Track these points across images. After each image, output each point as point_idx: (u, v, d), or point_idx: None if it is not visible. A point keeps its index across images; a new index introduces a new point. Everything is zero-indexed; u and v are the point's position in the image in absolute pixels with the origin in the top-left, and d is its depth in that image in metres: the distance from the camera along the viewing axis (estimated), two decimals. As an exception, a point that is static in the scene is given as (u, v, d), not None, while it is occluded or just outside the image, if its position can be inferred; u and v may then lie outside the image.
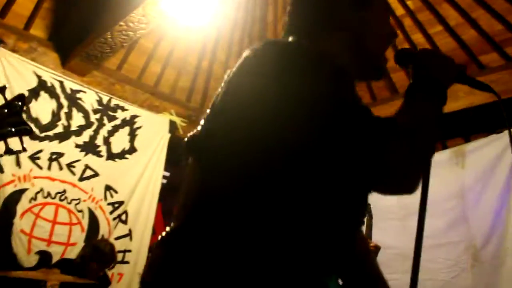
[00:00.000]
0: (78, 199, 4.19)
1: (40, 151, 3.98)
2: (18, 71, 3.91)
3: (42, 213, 3.94)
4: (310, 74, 0.97)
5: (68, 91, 4.24)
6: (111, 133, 4.51)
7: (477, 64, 4.02)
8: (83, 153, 4.28)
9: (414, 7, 4.14)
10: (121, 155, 4.55)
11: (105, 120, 4.49)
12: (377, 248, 2.38)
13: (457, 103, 3.73)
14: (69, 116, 4.23)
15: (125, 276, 4.31)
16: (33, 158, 3.93)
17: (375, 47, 1.22)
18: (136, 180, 4.59)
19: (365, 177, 0.96)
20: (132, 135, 4.66)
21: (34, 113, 3.96)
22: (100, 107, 4.46)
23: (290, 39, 1.18)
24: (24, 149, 1.85)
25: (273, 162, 0.94)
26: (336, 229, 1.00)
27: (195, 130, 1.08)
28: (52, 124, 4.10)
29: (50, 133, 4.07)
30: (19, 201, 3.81)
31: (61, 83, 4.20)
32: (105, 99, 4.51)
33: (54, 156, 4.08)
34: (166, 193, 4.84)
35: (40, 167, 3.98)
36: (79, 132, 4.28)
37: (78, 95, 4.31)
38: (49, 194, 4.01)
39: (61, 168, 4.12)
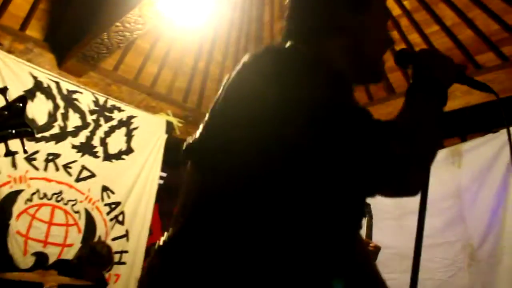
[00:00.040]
0: (75, 200, 4.18)
1: (36, 152, 3.97)
2: (14, 72, 3.89)
3: (38, 214, 3.93)
4: (308, 79, 0.97)
5: (65, 92, 4.23)
6: (108, 133, 4.50)
7: (473, 63, 4.03)
8: (80, 154, 4.27)
9: (411, 7, 4.15)
10: (118, 155, 4.54)
11: (102, 121, 4.48)
12: (377, 249, 2.38)
13: (453, 103, 3.73)
14: (65, 117, 4.22)
15: (122, 277, 4.29)
16: (29, 159, 3.92)
17: (373, 52, 1.22)
18: (133, 181, 4.58)
19: (364, 179, 0.95)
20: (129, 135, 4.65)
21: (30, 114, 3.94)
22: (96, 108, 4.45)
23: (288, 44, 1.17)
24: (25, 152, 1.85)
25: (272, 163, 0.94)
26: (336, 230, 1.00)
27: (193, 136, 1.08)
28: (48, 125, 4.08)
29: (47, 134, 4.06)
30: (15, 203, 3.80)
31: (57, 84, 4.19)
32: (101, 100, 4.50)
33: (50, 157, 4.07)
34: (163, 194, 4.84)
35: (36, 168, 3.97)
36: (75, 133, 4.27)
37: (74, 96, 4.30)
38: (45, 195, 3.99)
39: (57, 169, 4.11)
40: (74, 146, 4.24)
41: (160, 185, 4.84)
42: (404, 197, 1.02)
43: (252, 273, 0.88)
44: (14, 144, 1.82)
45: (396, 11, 4.20)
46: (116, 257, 4.15)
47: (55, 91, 4.16)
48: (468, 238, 3.87)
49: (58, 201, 4.07)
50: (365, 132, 0.94)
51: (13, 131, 1.76)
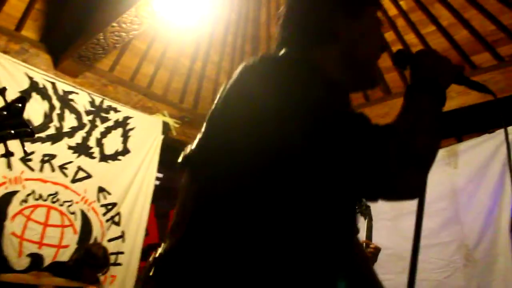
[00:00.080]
0: (71, 201, 4.16)
1: (32, 152, 3.94)
2: (10, 73, 3.88)
3: (33, 215, 3.91)
4: (305, 86, 0.97)
5: (60, 92, 4.22)
6: (104, 134, 4.49)
7: (469, 64, 4.05)
8: (76, 154, 4.26)
9: (407, 7, 4.16)
10: (114, 156, 4.53)
11: (98, 122, 4.47)
12: (377, 250, 2.37)
13: (449, 103, 3.73)
14: (61, 117, 4.20)
15: (118, 278, 4.28)
16: (25, 160, 3.90)
17: (367, 57, 1.22)
18: (129, 182, 4.57)
19: (363, 182, 0.95)
20: (125, 136, 4.64)
21: (26, 115, 3.84)
22: (92, 109, 4.44)
23: (283, 52, 1.17)
24: (25, 152, 1.85)
25: (271, 169, 0.94)
26: (334, 233, 1.00)
27: (189, 146, 1.09)
28: (44, 126, 4.06)
29: (42, 134, 4.04)
30: (10, 204, 3.78)
31: (53, 84, 4.17)
32: (97, 101, 4.49)
33: (46, 158, 4.05)
34: (159, 195, 4.83)
35: (32, 169, 3.95)
36: (71, 133, 4.26)
37: (70, 97, 4.29)
38: (40, 196, 3.98)
39: (53, 170, 4.09)
40: (70, 147, 4.22)
41: (156, 186, 4.83)
42: (405, 200, 1.02)
43: (252, 273, 0.89)
44: (11, 145, 1.81)
45: (392, 11, 4.21)
46: (112, 258, 4.14)
47: (51, 91, 4.15)
48: (464, 238, 3.87)
49: (53, 202, 4.05)
50: (363, 136, 0.94)
51: (12, 131, 1.76)
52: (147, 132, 4.81)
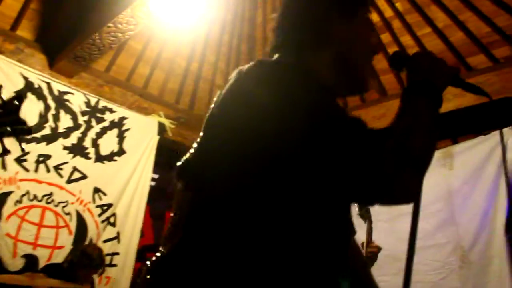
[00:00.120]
0: (66, 201, 4.14)
1: (27, 153, 3.92)
2: (5, 73, 3.85)
3: (28, 216, 3.89)
4: (300, 91, 0.98)
5: (56, 92, 4.20)
6: (100, 135, 4.48)
7: (465, 66, 4.06)
8: (71, 155, 4.24)
9: (403, 9, 4.17)
10: (110, 157, 4.51)
11: (93, 122, 4.45)
12: (378, 250, 2.37)
13: (446, 105, 3.73)
14: (56, 118, 4.18)
15: (113, 279, 4.27)
16: (20, 160, 3.88)
17: (360, 58, 1.22)
18: (125, 182, 4.56)
19: (359, 186, 0.95)
20: (121, 137, 4.62)
21: (21, 115, 3.90)
22: (88, 109, 4.42)
23: (277, 56, 1.18)
24: (23, 150, 1.84)
25: (268, 174, 0.94)
26: (330, 236, 1.00)
27: (185, 156, 1.09)
28: (39, 126, 4.04)
29: (38, 135, 4.02)
30: (4, 204, 3.76)
31: (49, 84, 4.15)
32: (93, 101, 4.47)
33: (41, 158, 4.03)
34: (155, 195, 4.82)
35: (27, 170, 3.93)
36: (67, 134, 4.24)
37: (65, 97, 4.27)
38: (35, 196, 3.96)
39: (48, 171, 4.07)
40: (65, 147, 4.21)
41: (151, 187, 4.82)
42: (401, 203, 1.02)
43: (249, 277, 0.89)
44: (7, 143, 1.81)
45: (388, 13, 4.22)
46: (107, 259, 4.13)
47: (46, 92, 4.13)
48: (459, 240, 3.88)
49: (48, 203, 4.03)
50: (359, 139, 0.94)
51: (9, 129, 1.76)
52: (143, 133, 4.80)
